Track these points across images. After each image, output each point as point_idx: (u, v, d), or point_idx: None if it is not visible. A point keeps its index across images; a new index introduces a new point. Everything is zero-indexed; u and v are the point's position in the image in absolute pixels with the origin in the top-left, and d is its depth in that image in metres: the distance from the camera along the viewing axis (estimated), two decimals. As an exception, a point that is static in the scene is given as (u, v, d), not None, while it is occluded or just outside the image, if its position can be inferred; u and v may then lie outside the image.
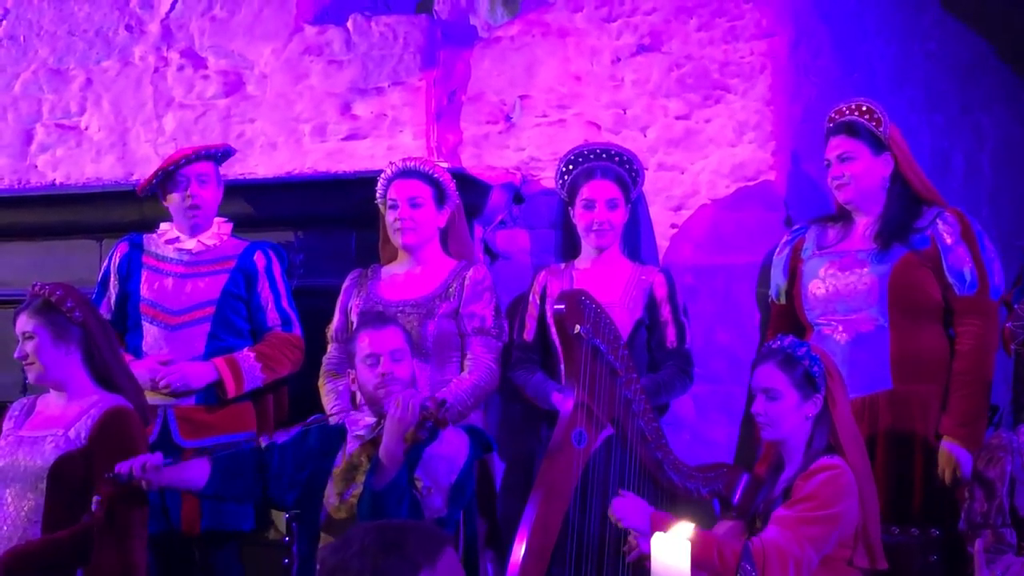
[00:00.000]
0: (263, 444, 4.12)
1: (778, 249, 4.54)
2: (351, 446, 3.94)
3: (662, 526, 3.47)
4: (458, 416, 4.33)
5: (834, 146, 4.33)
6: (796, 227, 4.57)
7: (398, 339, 3.96)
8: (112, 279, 4.72)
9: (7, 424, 4.16)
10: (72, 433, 4.02)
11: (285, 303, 4.65)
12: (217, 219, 4.73)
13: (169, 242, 4.71)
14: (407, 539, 2.58)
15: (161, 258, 4.69)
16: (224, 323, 4.59)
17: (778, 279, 4.50)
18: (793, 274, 4.45)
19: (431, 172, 4.54)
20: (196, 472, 3.96)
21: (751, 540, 3.52)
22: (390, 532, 2.59)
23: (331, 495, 3.90)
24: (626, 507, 3.70)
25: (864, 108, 4.32)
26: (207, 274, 4.62)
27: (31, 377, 4.13)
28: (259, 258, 4.65)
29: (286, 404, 4.75)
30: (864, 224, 4.36)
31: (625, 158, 4.51)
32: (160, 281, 4.65)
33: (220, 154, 4.74)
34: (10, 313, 4.20)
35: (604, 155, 4.50)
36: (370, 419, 3.93)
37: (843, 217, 4.41)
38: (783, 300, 4.49)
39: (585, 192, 4.46)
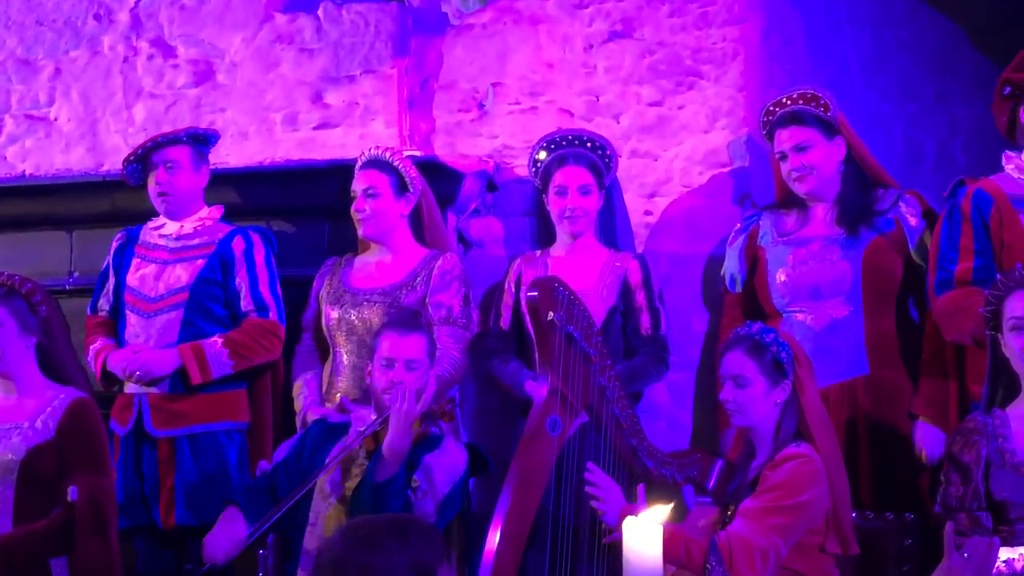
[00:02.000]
0: (267, 469, 4.07)
1: (731, 238, 4.54)
2: (352, 440, 3.92)
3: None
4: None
5: (786, 137, 4.33)
6: (747, 215, 4.57)
7: (418, 349, 3.97)
8: (110, 271, 4.71)
9: None
10: (39, 424, 4.00)
11: (263, 288, 4.57)
12: (208, 206, 4.69)
13: (155, 229, 4.70)
14: (414, 532, 2.56)
15: (149, 246, 4.67)
16: (198, 309, 4.55)
17: (733, 268, 4.49)
18: (753, 262, 4.44)
19: (390, 160, 4.52)
20: (238, 526, 3.87)
21: (717, 535, 3.52)
22: (397, 524, 2.58)
23: (327, 482, 3.89)
24: (606, 499, 3.68)
25: (809, 95, 4.33)
26: (187, 260, 4.60)
27: None
28: (237, 243, 4.60)
29: (270, 396, 4.69)
30: (823, 210, 4.36)
31: (597, 144, 4.51)
32: (144, 269, 4.63)
33: (191, 137, 4.67)
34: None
35: (576, 141, 4.50)
36: (374, 417, 3.93)
37: (797, 203, 4.41)
38: (739, 288, 4.47)
39: (557, 179, 4.46)
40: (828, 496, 3.58)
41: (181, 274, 4.57)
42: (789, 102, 4.34)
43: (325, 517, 3.90)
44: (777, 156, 4.37)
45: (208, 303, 4.56)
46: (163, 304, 4.56)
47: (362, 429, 3.92)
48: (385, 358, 3.94)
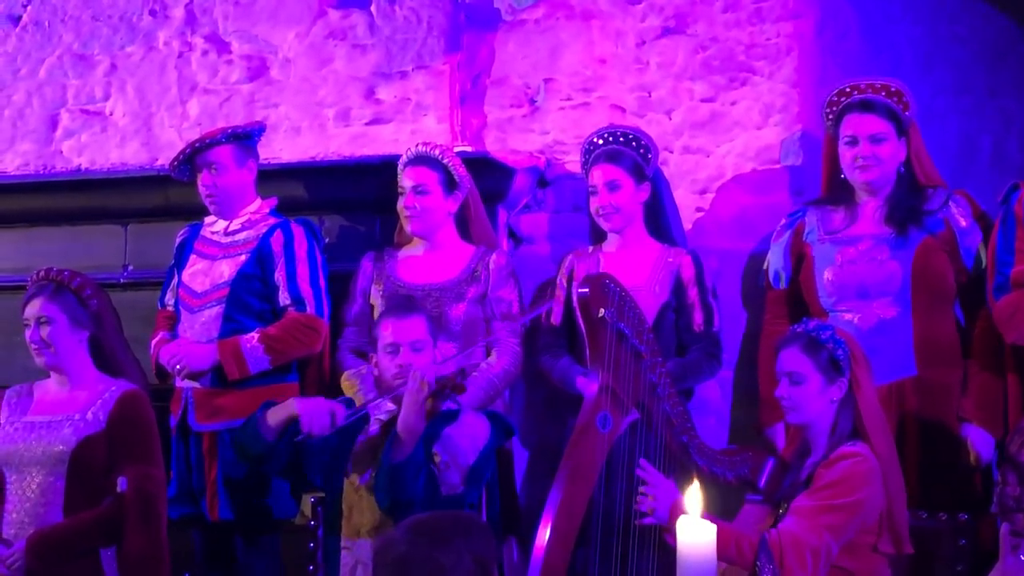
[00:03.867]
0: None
1: (775, 234, 4.50)
2: (372, 429, 3.95)
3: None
4: (489, 401, 4.37)
5: (861, 123, 4.27)
6: (792, 211, 4.54)
7: (420, 329, 3.97)
8: (174, 267, 4.76)
9: (6, 411, 4.19)
10: (90, 416, 4.06)
11: (302, 282, 4.55)
12: (260, 200, 4.71)
13: (209, 226, 4.75)
14: (474, 528, 2.60)
15: (205, 242, 4.71)
16: (239, 304, 4.56)
17: (778, 264, 4.45)
18: (798, 259, 4.42)
19: (440, 157, 4.53)
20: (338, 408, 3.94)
21: (768, 532, 3.51)
22: (457, 521, 2.62)
23: (353, 473, 3.93)
24: (656, 495, 3.66)
25: (893, 89, 4.28)
26: (232, 255, 4.62)
27: (42, 361, 4.16)
28: (277, 237, 4.60)
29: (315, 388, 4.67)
30: (872, 207, 4.32)
31: (630, 136, 4.47)
32: (197, 265, 4.67)
33: (231, 136, 4.68)
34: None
35: (610, 138, 4.47)
36: (391, 405, 3.94)
37: (844, 199, 4.37)
38: (783, 285, 4.45)
39: (591, 179, 4.46)
40: (882, 495, 3.56)
41: (224, 270, 4.60)
42: (870, 90, 4.29)
43: (358, 508, 3.92)
44: (845, 139, 4.29)
45: (248, 298, 4.58)
46: (207, 300, 4.60)
47: (382, 418, 3.95)
48: (389, 344, 3.95)
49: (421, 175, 4.53)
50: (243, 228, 4.67)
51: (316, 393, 4.55)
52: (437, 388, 3.82)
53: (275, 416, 3.90)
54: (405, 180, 4.55)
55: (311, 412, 3.84)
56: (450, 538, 2.52)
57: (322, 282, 4.60)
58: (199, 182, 4.67)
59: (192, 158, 4.67)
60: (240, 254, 4.61)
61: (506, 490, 4.51)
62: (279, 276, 4.57)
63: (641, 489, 3.66)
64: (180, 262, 4.72)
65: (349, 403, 4.11)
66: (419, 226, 4.55)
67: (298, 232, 4.62)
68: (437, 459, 3.82)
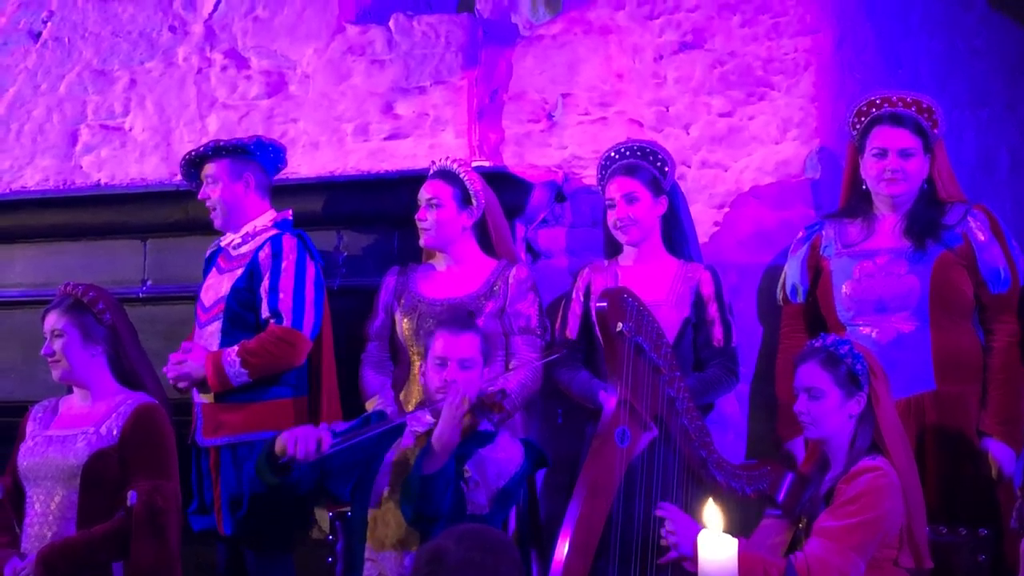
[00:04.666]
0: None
1: (792, 247, 4.50)
2: (406, 441, 3.95)
3: None
4: (509, 414, 4.32)
5: (893, 136, 4.26)
6: (810, 224, 4.53)
7: (472, 347, 3.95)
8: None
9: (31, 426, 4.23)
10: (104, 430, 4.09)
11: (284, 295, 4.50)
12: (271, 213, 4.71)
13: (225, 239, 4.76)
14: (509, 547, 2.62)
15: (224, 256, 4.72)
16: (234, 319, 4.56)
17: (795, 278, 4.45)
18: (816, 273, 4.41)
19: (455, 171, 4.54)
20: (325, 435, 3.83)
21: (795, 555, 3.50)
22: (501, 538, 2.65)
23: (383, 486, 3.91)
24: (678, 531, 3.65)
25: (924, 105, 4.28)
26: (232, 269, 4.64)
27: (56, 374, 4.22)
28: (265, 250, 4.58)
29: (336, 402, 4.67)
30: (891, 221, 4.32)
31: (647, 150, 4.47)
32: (209, 280, 4.69)
33: (219, 150, 4.68)
34: (54, 313, 4.27)
35: (627, 152, 4.47)
36: (430, 418, 3.92)
37: (861, 211, 4.37)
38: (800, 299, 4.44)
39: (608, 192, 4.46)
40: (903, 510, 3.55)
41: (225, 284, 4.61)
42: (902, 104, 4.29)
43: (383, 520, 3.91)
44: (873, 151, 4.28)
45: (242, 312, 4.57)
46: (210, 314, 4.62)
47: (419, 430, 3.93)
48: (439, 357, 3.94)
49: (436, 188, 4.54)
50: (243, 242, 4.67)
51: (330, 406, 4.58)
52: (477, 404, 3.80)
53: (277, 446, 3.83)
54: (421, 193, 4.57)
55: (297, 437, 3.75)
56: (500, 549, 2.56)
57: (309, 294, 4.54)
58: (199, 194, 4.70)
59: (197, 170, 4.71)
60: (237, 268, 4.62)
61: (527, 502, 4.52)
62: (263, 289, 4.54)
63: (663, 531, 3.65)
64: (204, 277, 4.74)
65: (344, 430, 4.05)
66: (431, 239, 4.57)
67: (287, 244, 4.59)
68: (467, 476, 3.81)
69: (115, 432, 4.09)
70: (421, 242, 4.59)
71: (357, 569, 3.92)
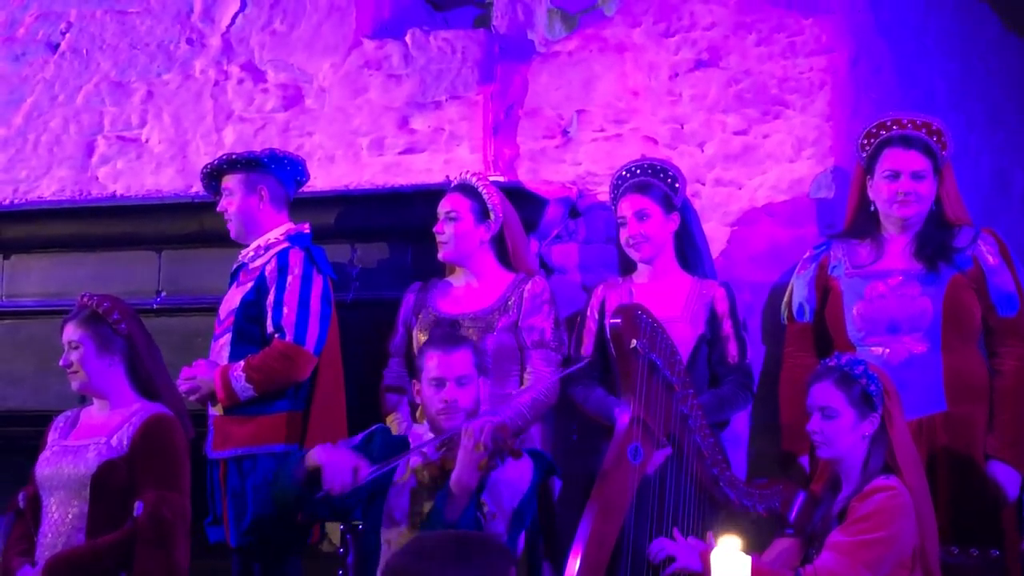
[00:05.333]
0: None
1: (799, 266, 4.49)
2: (414, 460, 3.92)
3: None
4: (520, 430, 4.32)
5: (904, 159, 4.26)
6: (817, 244, 4.53)
7: (466, 363, 3.92)
8: None
9: (52, 435, 4.25)
10: (114, 441, 4.10)
11: (288, 310, 4.50)
12: (287, 226, 4.71)
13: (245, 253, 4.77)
14: (477, 552, 2.60)
15: (243, 268, 4.73)
16: (243, 333, 4.57)
17: (802, 297, 4.43)
18: (824, 293, 4.41)
19: (474, 185, 4.55)
20: (363, 465, 3.80)
21: (804, 568, 3.50)
22: (464, 543, 2.62)
23: (395, 509, 3.88)
24: (677, 553, 3.67)
25: (934, 127, 4.28)
26: (245, 283, 4.65)
27: (74, 385, 4.23)
28: (272, 265, 4.58)
29: (343, 417, 4.66)
30: (902, 243, 4.32)
31: (658, 168, 4.48)
32: (229, 292, 4.70)
33: (232, 164, 4.70)
34: (71, 324, 4.28)
35: (638, 170, 4.48)
36: (431, 435, 3.91)
37: (869, 232, 4.37)
38: (807, 318, 4.44)
39: (619, 210, 4.47)
40: (916, 530, 3.55)
41: (236, 298, 4.63)
42: (911, 126, 4.29)
43: (396, 544, 3.85)
44: (885, 173, 4.28)
45: (250, 326, 4.57)
46: (222, 328, 4.63)
47: (425, 451, 3.89)
48: (434, 378, 3.90)
49: (454, 202, 4.55)
50: (256, 255, 4.69)
51: (332, 421, 4.57)
52: (494, 449, 3.71)
53: (308, 461, 3.83)
54: (440, 206, 4.57)
55: (333, 467, 3.73)
56: (437, 554, 2.56)
57: (314, 309, 4.53)
58: (218, 206, 4.73)
59: (214, 182, 4.74)
60: (248, 282, 4.63)
61: (544, 518, 4.51)
62: (268, 303, 4.54)
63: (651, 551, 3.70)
64: (228, 290, 4.75)
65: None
66: (449, 252, 4.57)
67: (294, 258, 4.58)
68: (485, 509, 3.75)
69: (125, 442, 4.09)
70: (440, 255, 4.59)
71: None
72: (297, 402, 4.57)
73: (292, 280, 4.53)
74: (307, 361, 4.51)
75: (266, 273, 4.57)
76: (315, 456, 3.80)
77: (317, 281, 4.58)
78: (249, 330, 4.57)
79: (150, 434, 4.09)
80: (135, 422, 4.12)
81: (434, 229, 4.56)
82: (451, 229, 4.53)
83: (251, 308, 4.57)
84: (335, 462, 3.75)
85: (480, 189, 4.56)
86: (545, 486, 4.44)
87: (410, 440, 3.99)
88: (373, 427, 4.13)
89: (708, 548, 3.57)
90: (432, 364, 3.92)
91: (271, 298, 4.53)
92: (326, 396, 4.62)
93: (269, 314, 4.52)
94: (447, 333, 4.20)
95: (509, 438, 3.71)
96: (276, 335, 4.50)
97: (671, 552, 3.70)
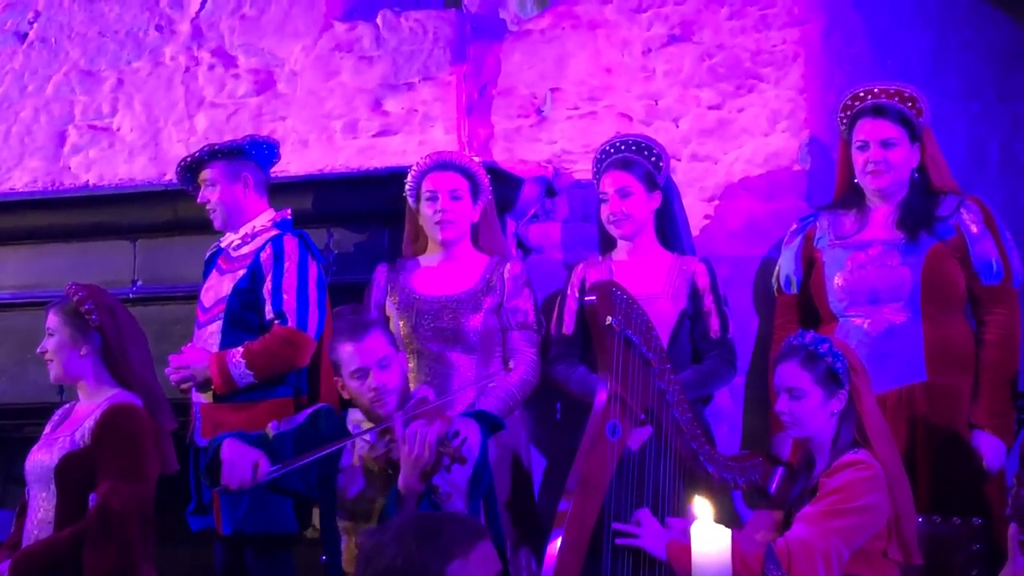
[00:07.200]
0: (271, 433, 3.84)
1: (786, 239, 4.50)
2: (360, 447, 3.85)
3: (678, 555, 3.47)
4: (508, 411, 4.34)
5: (873, 128, 4.27)
6: (804, 215, 4.53)
7: (381, 345, 3.82)
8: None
9: (46, 428, 4.24)
10: (78, 434, 4.09)
11: (288, 295, 4.49)
12: (271, 212, 4.69)
13: (225, 240, 4.74)
14: (443, 530, 2.61)
15: (225, 256, 4.71)
16: (236, 320, 4.55)
17: (789, 269, 4.45)
18: (809, 264, 4.41)
19: (467, 166, 4.53)
20: (263, 461, 3.66)
21: (775, 541, 3.49)
22: (428, 522, 2.62)
23: (348, 492, 3.82)
24: (641, 534, 3.67)
25: (907, 94, 4.27)
26: (234, 270, 4.62)
27: (51, 375, 4.22)
28: (267, 251, 4.57)
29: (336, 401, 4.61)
30: (884, 212, 4.31)
31: (643, 145, 4.47)
32: (210, 281, 4.68)
33: (213, 153, 4.66)
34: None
35: (622, 146, 4.47)
36: (367, 424, 3.84)
37: (856, 204, 4.36)
38: (794, 290, 4.44)
39: (602, 186, 4.46)
40: (888, 502, 3.54)
41: (226, 285, 4.60)
42: (884, 95, 4.29)
43: (350, 535, 3.84)
44: (857, 144, 4.29)
45: (245, 313, 4.56)
46: (210, 315, 4.61)
47: (368, 440, 3.82)
48: (356, 370, 3.78)
49: (454, 180, 4.49)
50: (243, 243, 4.67)
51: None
52: (437, 457, 3.61)
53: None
54: (436, 184, 4.49)
55: (232, 462, 3.59)
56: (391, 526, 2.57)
57: (312, 294, 4.53)
58: (198, 198, 4.68)
59: (193, 175, 4.70)
60: (239, 269, 4.60)
61: (524, 500, 4.49)
62: (266, 290, 4.53)
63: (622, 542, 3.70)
64: (204, 278, 4.72)
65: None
66: (452, 232, 4.51)
67: (289, 244, 4.57)
68: (439, 491, 3.67)
69: (87, 434, 4.07)
70: (440, 235, 4.51)
71: (333, 552, 3.83)
72: (298, 388, 4.57)
73: (289, 266, 4.53)
74: (309, 346, 4.51)
75: (261, 260, 4.55)
76: (222, 448, 3.65)
77: (313, 267, 4.59)
78: (243, 316, 4.55)
79: (107, 424, 4.07)
80: (97, 413, 4.10)
81: (440, 206, 4.48)
82: (457, 208, 4.50)
83: (245, 295, 4.55)
84: (235, 458, 3.61)
85: (472, 169, 4.53)
86: (519, 463, 4.44)
87: (347, 423, 3.92)
88: (316, 406, 4.04)
89: (674, 539, 3.57)
90: (348, 356, 3.80)
91: (269, 285, 4.52)
92: (328, 380, 4.59)
93: (268, 301, 4.51)
94: (353, 321, 3.97)
95: (450, 445, 3.61)
96: (277, 321, 4.49)
97: (638, 543, 3.68)
